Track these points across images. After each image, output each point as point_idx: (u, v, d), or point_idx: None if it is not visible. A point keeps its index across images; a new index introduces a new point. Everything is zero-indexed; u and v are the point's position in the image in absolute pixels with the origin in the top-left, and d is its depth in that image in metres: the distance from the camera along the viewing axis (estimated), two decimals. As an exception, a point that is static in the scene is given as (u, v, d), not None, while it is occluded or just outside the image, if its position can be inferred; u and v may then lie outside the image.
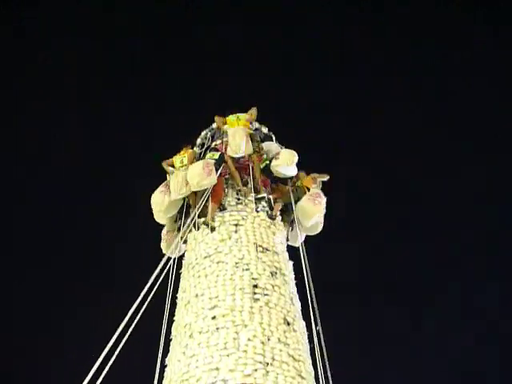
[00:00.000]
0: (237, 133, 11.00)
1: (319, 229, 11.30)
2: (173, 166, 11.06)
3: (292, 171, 11.24)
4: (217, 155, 10.84)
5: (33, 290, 19.29)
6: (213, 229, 10.12)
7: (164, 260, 9.66)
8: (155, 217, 11.02)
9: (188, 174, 10.59)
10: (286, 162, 11.16)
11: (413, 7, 21.52)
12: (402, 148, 20.90)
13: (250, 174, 10.86)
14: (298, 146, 11.55)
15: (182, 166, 10.89)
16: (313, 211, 10.89)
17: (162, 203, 10.73)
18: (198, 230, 10.29)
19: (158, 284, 9.22)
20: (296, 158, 11.26)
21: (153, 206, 10.89)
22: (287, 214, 10.99)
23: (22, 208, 20.34)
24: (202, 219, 10.34)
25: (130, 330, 8.71)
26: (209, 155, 10.92)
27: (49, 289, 19.04)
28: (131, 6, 21.56)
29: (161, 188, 10.88)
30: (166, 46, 21.75)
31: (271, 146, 11.59)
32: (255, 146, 11.15)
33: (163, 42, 21.74)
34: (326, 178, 11.42)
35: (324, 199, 11.03)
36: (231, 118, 11.45)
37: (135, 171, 18.91)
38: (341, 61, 21.66)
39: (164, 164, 11.18)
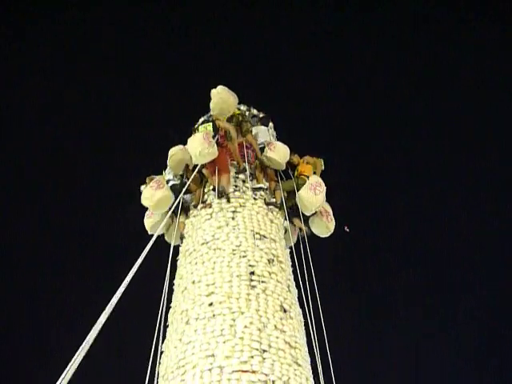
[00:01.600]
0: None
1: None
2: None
3: (282, 166, 11.10)
4: (210, 125, 10.71)
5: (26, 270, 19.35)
6: (225, 196, 10.14)
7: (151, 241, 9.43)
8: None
9: (188, 147, 10.47)
10: (280, 157, 10.99)
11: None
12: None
13: (246, 161, 10.81)
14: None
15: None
16: (313, 202, 10.68)
17: (150, 197, 10.64)
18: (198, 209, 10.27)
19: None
20: (288, 155, 11.15)
21: (143, 202, 10.79)
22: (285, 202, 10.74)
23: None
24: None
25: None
26: (201, 128, 10.79)
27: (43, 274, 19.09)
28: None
29: (151, 183, 10.82)
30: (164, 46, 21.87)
31: (259, 129, 11.47)
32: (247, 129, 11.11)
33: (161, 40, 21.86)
34: (321, 164, 11.27)
35: (324, 188, 10.79)
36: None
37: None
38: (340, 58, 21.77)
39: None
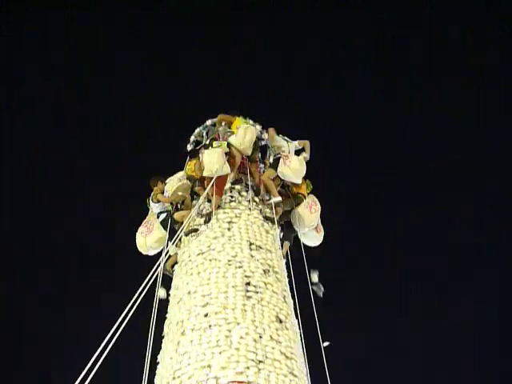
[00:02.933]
0: (249, 130, 10.99)
1: (318, 241, 11.32)
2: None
3: (298, 181, 11.13)
4: (225, 145, 10.75)
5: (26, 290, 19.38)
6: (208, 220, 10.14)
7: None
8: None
9: (206, 160, 10.50)
10: (295, 174, 10.98)
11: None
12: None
13: (244, 173, 10.86)
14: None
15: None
16: (309, 219, 10.94)
17: (144, 245, 10.71)
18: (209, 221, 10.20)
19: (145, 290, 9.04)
20: (304, 171, 11.13)
21: (139, 249, 10.84)
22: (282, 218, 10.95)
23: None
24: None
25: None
26: (216, 144, 10.81)
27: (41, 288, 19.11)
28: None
29: (141, 229, 10.83)
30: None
31: (281, 142, 11.39)
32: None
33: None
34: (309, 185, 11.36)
35: (319, 208, 11.09)
36: (241, 119, 11.38)
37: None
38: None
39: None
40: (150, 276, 8.91)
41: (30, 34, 21.45)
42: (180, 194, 10.59)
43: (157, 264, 9.24)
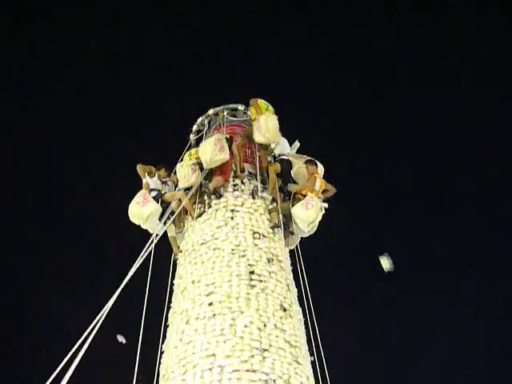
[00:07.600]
0: (270, 119, 10.74)
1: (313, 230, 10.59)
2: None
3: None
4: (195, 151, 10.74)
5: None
6: (220, 196, 10.26)
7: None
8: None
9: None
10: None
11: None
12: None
13: (248, 162, 10.91)
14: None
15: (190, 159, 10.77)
16: (304, 217, 10.17)
17: (140, 215, 10.26)
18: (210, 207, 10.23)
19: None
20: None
21: (132, 219, 10.41)
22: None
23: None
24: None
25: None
26: (187, 156, 10.82)
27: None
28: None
29: (136, 199, 10.39)
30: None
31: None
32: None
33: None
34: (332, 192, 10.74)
35: (317, 201, 10.21)
36: (262, 102, 11.10)
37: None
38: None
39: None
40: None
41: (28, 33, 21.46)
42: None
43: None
